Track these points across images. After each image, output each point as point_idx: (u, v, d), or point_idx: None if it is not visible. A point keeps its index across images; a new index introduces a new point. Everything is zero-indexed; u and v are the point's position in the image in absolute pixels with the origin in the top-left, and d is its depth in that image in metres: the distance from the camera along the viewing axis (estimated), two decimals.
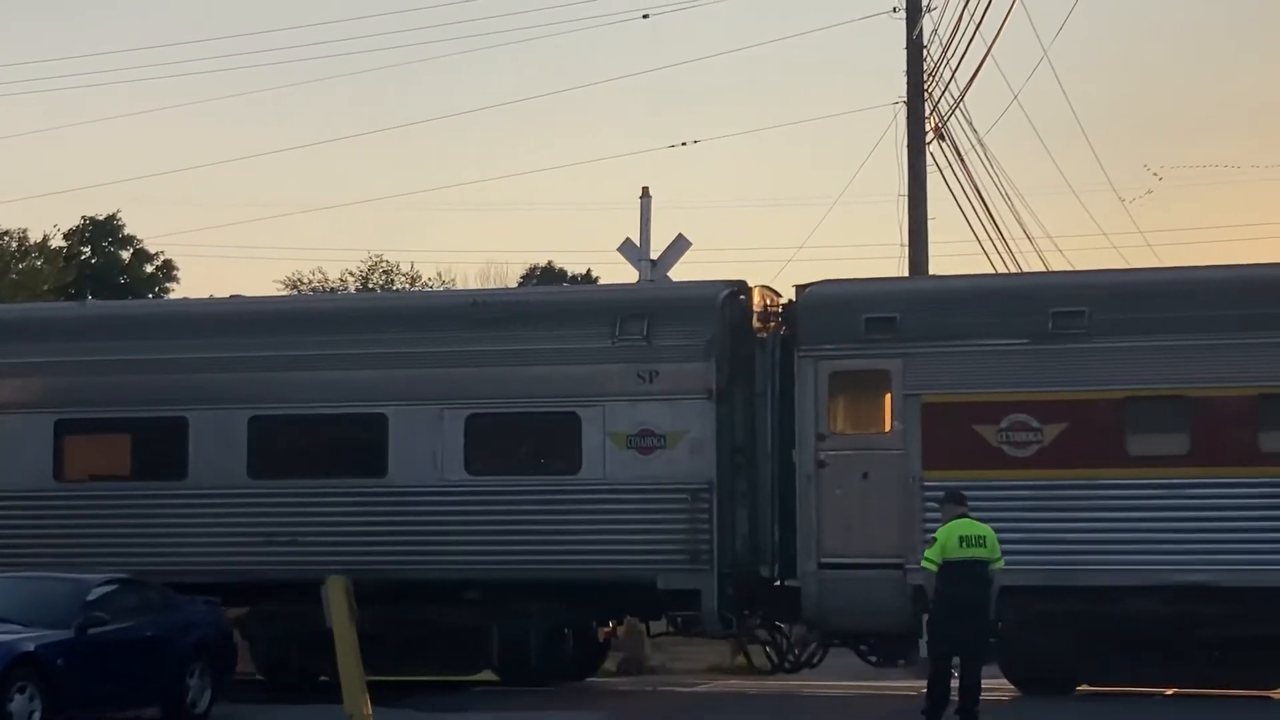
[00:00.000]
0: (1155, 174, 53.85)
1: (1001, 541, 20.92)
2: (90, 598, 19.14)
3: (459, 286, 53.48)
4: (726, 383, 22.25)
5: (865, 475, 21.70)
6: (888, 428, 21.95)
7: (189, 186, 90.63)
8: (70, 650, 18.23)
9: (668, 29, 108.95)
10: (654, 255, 31.97)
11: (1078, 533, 20.95)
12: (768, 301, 23.39)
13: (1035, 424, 21.15)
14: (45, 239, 49.22)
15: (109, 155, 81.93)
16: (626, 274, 32.56)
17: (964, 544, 17.96)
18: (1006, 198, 38.94)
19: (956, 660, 18.38)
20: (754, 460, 22.49)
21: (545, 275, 56.97)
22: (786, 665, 23.19)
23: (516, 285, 56.20)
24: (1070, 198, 73.58)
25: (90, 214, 54.26)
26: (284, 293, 50.56)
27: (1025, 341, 21.36)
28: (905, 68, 32.94)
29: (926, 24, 32.87)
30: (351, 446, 23.44)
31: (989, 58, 33.21)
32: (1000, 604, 21.02)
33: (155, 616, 19.92)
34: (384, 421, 22.98)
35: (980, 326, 21.66)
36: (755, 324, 22.93)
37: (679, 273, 31.55)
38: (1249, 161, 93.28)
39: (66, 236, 51.86)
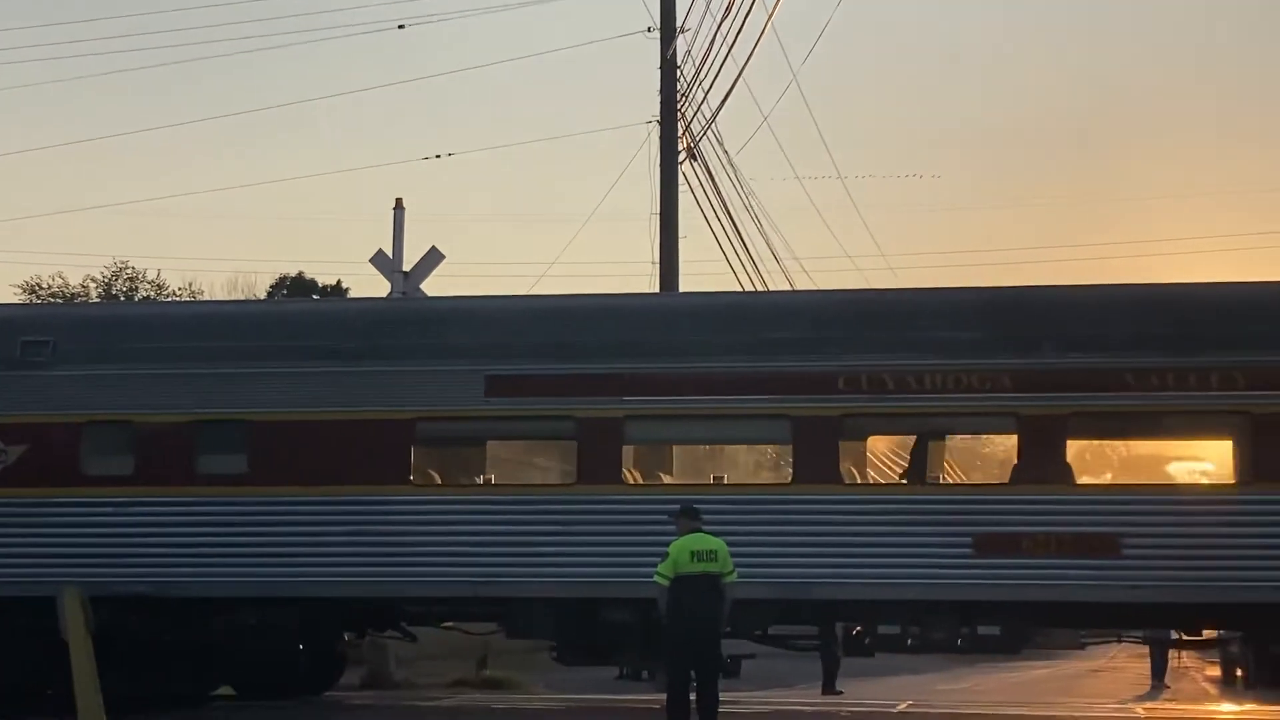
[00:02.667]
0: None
1: None
2: None
3: (206, 296, 52.79)
4: None
5: None
6: None
7: None
8: None
9: (423, 40, 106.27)
10: (407, 267, 31.87)
11: (40, 547, 22.45)
12: None
13: (2, 446, 22.77)
14: None
15: None
16: (379, 285, 32.62)
17: (695, 558, 18.18)
18: (755, 218, 40.48)
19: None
20: None
21: (295, 286, 55.47)
22: None
23: (266, 296, 55.34)
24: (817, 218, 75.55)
25: None
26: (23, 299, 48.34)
27: None
28: (659, 87, 33.73)
29: (680, 45, 33.67)
30: None
31: (741, 80, 33.92)
32: None
33: None
34: None
35: None
36: None
37: (431, 285, 31.67)
38: (977, 181, 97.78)
39: None
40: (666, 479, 23.04)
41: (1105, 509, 20.46)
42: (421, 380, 22.02)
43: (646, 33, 34.67)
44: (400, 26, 37.01)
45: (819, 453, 20.90)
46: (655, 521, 21.13)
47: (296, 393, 22.24)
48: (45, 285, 56.46)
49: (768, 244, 53.95)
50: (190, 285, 58.79)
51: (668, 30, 34.41)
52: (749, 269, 34.58)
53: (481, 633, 24.09)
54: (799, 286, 35.17)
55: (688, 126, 34.17)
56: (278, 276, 58.38)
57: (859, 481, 21.74)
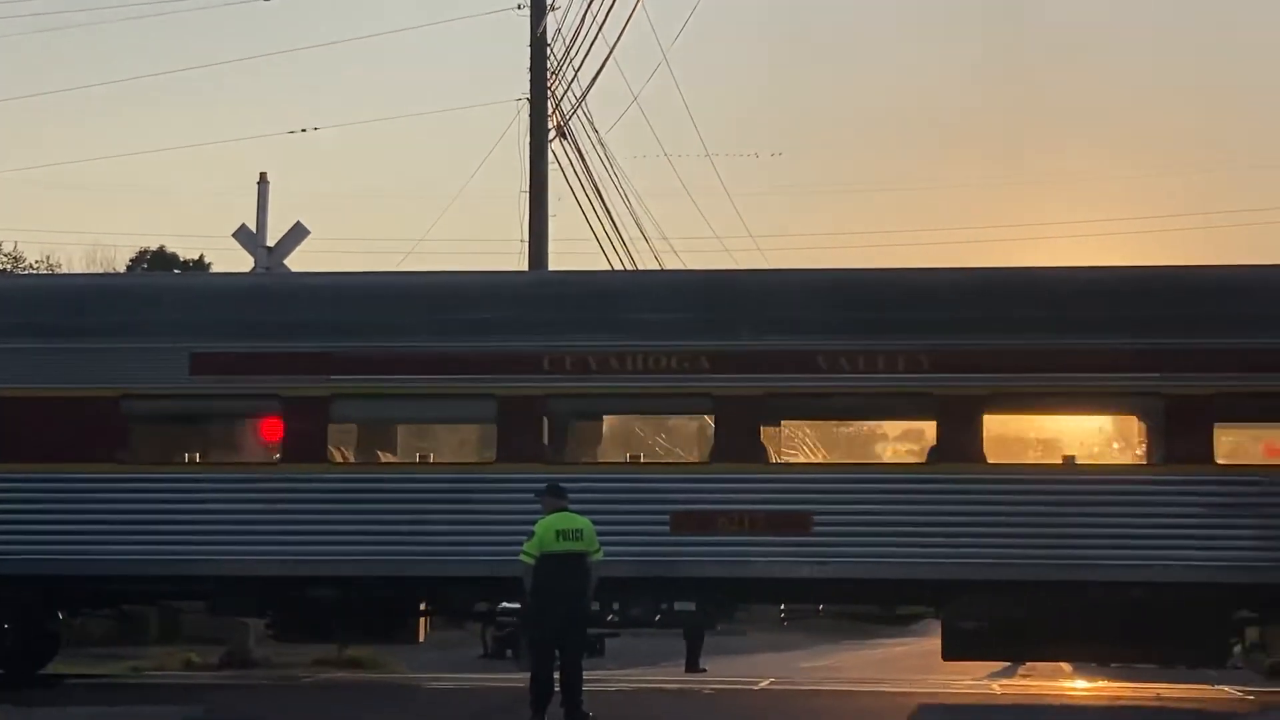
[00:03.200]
0: None
1: None
2: None
3: (64, 270, 50.86)
4: None
5: None
6: None
7: None
8: None
9: (290, 12, 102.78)
10: (271, 243, 30.81)
11: None
12: None
13: None
14: None
15: None
16: (243, 261, 31.43)
17: (561, 537, 17.94)
18: (625, 197, 40.03)
19: None
20: None
21: (156, 259, 53.45)
22: None
23: (125, 269, 53.42)
24: (688, 199, 74.88)
25: None
26: None
27: None
28: (529, 65, 33.17)
29: (551, 22, 33.20)
30: None
31: (611, 59, 33.47)
32: None
33: None
34: None
35: None
36: None
37: (296, 261, 30.75)
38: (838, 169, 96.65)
39: None
40: (386, 456, 23.20)
41: (796, 487, 21.08)
42: (127, 357, 21.97)
43: (517, 10, 34.92)
44: None
45: (522, 432, 21.28)
46: (362, 500, 21.47)
47: (2, 369, 22.08)
48: None
49: (637, 223, 54.02)
50: (48, 258, 57.58)
51: (538, 7, 34.54)
52: (619, 248, 34.82)
53: (190, 611, 24.10)
54: (668, 266, 35.34)
55: (558, 105, 34.32)
56: (138, 250, 57.36)
57: (564, 460, 22.09)
